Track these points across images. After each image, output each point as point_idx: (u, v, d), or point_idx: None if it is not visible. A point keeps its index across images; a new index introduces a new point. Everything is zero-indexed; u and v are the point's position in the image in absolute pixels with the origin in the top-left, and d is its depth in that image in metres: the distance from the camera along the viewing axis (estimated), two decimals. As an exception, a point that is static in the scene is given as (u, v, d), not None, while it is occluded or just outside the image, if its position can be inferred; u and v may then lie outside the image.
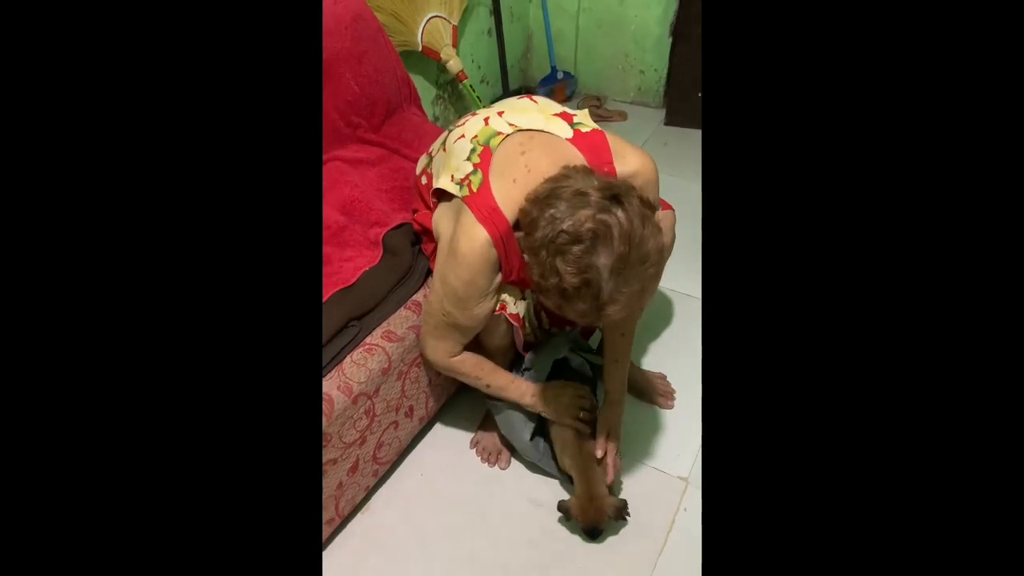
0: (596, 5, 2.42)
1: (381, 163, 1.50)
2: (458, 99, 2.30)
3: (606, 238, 0.85)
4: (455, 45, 2.07)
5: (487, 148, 1.06)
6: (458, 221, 1.05)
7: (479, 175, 1.04)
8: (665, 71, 2.45)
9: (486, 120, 1.11)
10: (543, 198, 0.91)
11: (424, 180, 1.24)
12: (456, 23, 2.06)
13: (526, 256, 0.95)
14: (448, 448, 1.43)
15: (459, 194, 1.05)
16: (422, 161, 1.29)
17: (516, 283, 1.12)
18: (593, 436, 1.25)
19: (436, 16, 1.98)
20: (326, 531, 1.22)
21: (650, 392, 1.48)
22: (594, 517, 1.21)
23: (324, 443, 1.09)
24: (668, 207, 1.28)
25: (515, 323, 1.16)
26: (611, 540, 1.25)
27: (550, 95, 2.46)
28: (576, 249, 0.85)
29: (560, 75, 2.55)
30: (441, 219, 1.14)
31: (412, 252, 1.30)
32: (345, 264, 1.24)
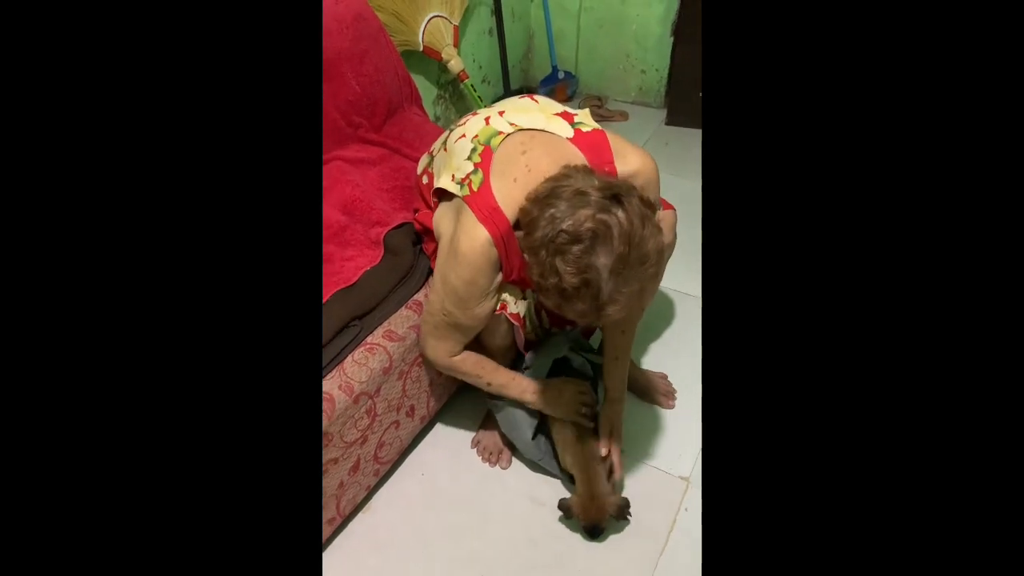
0: (597, 5, 2.42)
1: (382, 163, 1.50)
2: (459, 99, 2.31)
3: (606, 238, 0.85)
4: (456, 45, 2.07)
5: (488, 147, 1.06)
6: (459, 220, 1.05)
7: (480, 174, 1.04)
8: (666, 71, 2.45)
9: (487, 120, 1.11)
10: (543, 197, 0.91)
11: (425, 180, 1.24)
12: (457, 23, 2.06)
13: (526, 256, 0.95)
14: (449, 447, 1.43)
15: (460, 193, 1.06)
16: (423, 161, 1.29)
17: (517, 283, 1.12)
18: (595, 434, 1.25)
19: (437, 16, 1.98)
20: (328, 530, 1.22)
21: (651, 392, 1.48)
22: (595, 516, 1.21)
23: (326, 442, 1.09)
24: (670, 207, 1.28)
25: (516, 322, 1.16)
26: (612, 540, 1.25)
27: (551, 95, 2.45)
28: (576, 249, 0.85)
29: (561, 75, 2.55)
30: (442, 219, 1.14)
31: (413, 252, 1.30)
32: (346, 264, 1.24)
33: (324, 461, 1.11)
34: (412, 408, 1.30)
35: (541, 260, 0.89)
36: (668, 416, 1.46)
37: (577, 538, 1.26)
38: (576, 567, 1.22)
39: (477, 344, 1.21)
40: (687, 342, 1.62)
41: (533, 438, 1.31)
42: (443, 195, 1.13)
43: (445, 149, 1.17)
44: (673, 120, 2.42)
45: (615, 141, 1.07)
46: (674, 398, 1.48)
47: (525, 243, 0.94)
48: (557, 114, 1.10)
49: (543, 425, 1.31)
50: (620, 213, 0.86)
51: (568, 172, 0.94)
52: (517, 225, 0.99)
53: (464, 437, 1.44)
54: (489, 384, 1.23)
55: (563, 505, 1.23)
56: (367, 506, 1.32)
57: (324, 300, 1.17)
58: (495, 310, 1.13)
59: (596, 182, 0.90)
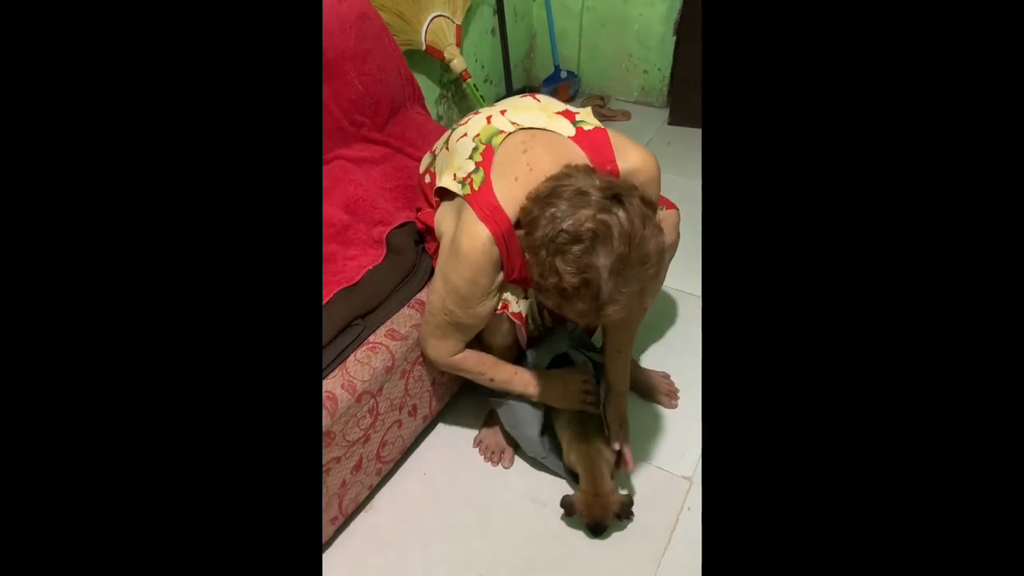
0: (600, 4, 2.42)
1: (385, 162, 1.50)
2: (462, 98, 2.31)
3: (606, 238, 0.85)
4: (459, 44, 2.07)
5: (489, 146, 1.06)
6: (460, 219, 1.05)
7: (481, 173, 1.04)
8: (669, 70, 2.45)
9: (488, 118, 1.11)
10: (544, 197, 0.91)
11: (427, 179, 1.25)
12: (460, 22, 2.06)
13: (526, 255, 0.95)
14: (451, 447, 1.43)
15: (461, 192, 1.06)
16: (425, 160, 1.29)
17: (518, 281, 1.12)
18: (600, 431, 1.25)
19: (440, 15, 1.98)
20: (330, 529, 1.22)
21: (654, 391, 1.48)
22: (599, 513, 1.21)
23: (328, 441, 1.09)
24: (672, 206, 1.28)
25: (518, 321, 1.16)
26: (615, 539, 1.25)
27: (553, 94, 2.45)
28: (576, 249, 0.85)
29: (564, 74, 2.55)
30: (443, 218, 1.14)
31: (416, 251, 1.30)
32: (349, 263, 1.24)
33: (327, 460, 1.11)
34: (414, 407, 1.31)
35: (541, 260, 0.89)
36: (671, 416, 1.46)
37: (579, 538, 1.26)
38: (578, 567, 1.22)
39: (479, 343, 1.21)
40: (689, 342, 1.62)
41: (540, 435, 1.31)
42: (445, 194, 1.13)
43: (447, 148, 1.17)
44: (675, 120, 2.42)
45: (616, 139, 1.07)
46: (677, 398, 1.48)
47: (525, 242, 0.94)
48: (559, 113, 1.10)
49: (547, 422, 1.31)
50: (621, 213, 0.86)
51: (569, 171, 0.94)
52: (518, 224, 0.99)
53: (466, 436, 1.44)
54: (492, 380, 1.23)
55: (566, 502, 1.23)
56: (369, 505, 1.32)
57: (327, 299, 1.17)
58: (496, 309, 1.13)
59: (597, 182, 0.90)
